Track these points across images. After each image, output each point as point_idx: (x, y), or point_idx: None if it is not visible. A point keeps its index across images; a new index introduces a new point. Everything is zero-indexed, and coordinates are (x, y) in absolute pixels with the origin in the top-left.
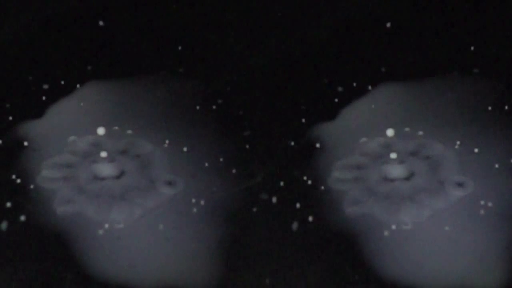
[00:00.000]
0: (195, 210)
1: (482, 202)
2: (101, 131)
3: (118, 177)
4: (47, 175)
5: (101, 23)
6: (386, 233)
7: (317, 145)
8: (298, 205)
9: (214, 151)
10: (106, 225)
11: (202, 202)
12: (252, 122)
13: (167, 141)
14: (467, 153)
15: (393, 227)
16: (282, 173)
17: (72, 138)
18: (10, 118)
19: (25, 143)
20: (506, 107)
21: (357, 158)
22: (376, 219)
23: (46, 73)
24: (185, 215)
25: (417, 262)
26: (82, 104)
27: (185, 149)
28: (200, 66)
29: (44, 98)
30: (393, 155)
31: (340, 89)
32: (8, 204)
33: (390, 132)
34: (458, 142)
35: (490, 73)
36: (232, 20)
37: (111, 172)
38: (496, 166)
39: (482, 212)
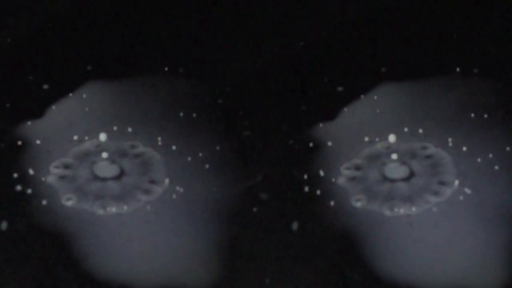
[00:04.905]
0: (195, 210)
1: (482, 202)
2: (102, 136)
3: (118, 177)
4: (47, 175)
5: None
6: (386, 233)
7: (317, 145)
8: (298, 205)
9: (214, 151)
10: (106, 225)
11: (202, 202)
12: (252, 122)
13: (167, 141)
14: (467, 153)
15: (393, 227)
16: (282, 173)
17: (72, 138)
18: (10, 118)
19: (25, 143)
20: (506, 107)
21: (357, 158)
22: (376, 219)
23: (46, 73)
24: (185, 215)
25: (417, 262)
26: (82, 104)
27: (185, 149)
28: (200, 66)
29: (44, 98)
30: (393, 155)
31: (340, 89)
32: (8, 204)
33: (392, 138)
34: (458, 142)
35: (490, 73)
36: (232, 20)
37: (111, 172)
38: (496, 166)
39: (482, 212)
